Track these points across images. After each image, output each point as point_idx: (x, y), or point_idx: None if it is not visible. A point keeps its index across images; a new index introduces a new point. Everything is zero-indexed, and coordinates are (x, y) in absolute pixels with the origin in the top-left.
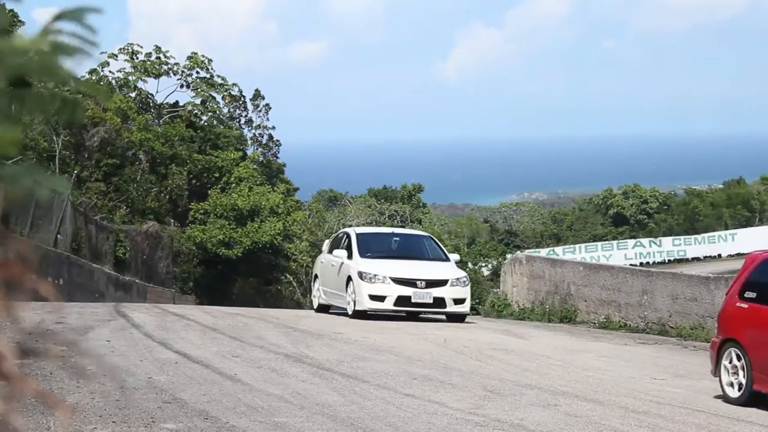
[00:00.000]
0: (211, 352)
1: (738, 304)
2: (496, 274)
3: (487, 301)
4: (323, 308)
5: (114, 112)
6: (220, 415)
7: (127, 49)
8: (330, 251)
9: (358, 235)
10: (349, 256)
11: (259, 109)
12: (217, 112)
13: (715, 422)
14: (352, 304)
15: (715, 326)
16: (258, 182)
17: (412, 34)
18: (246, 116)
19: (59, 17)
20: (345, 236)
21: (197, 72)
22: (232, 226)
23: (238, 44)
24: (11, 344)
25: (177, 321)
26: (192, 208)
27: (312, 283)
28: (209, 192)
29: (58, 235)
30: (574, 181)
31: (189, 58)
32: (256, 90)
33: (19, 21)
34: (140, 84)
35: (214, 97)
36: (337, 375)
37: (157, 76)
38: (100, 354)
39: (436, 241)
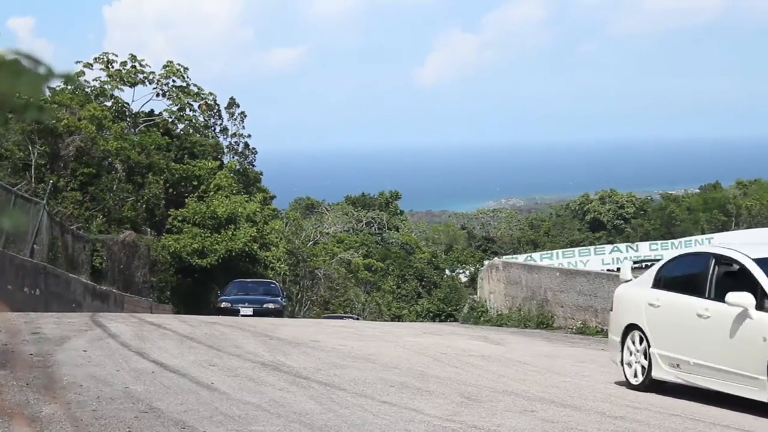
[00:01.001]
0: (188, 361)
1: None
2: (473, 280)
3: (464, 308)
4: (652, 384)
5: (89, 121)
6: (197, 424)
7: (103, 59)
8: (672, 286)
9: (760, 262)
10: (762, 305)
11: (234, 117)
12: (193, 120)
13: (691, 426)
14: None
15: None
16: (234, 191)
17: (388, 40)
18: (221, 124)
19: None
20: (715, 261)
21: (173, 81)
22: (206, 234)
23: (214, 51)
24: None
25: (154, 330)
26: (171, 215)
27: (618, 340)
28: (186, 200)
29: (35, 245)
30: (551, 187)
31: (165, 66)
32: (231, 98)
33: None
34: (116, 92)
35: (191, 105)
36: (313, 383)
37: (133, 84)
38: (76, 364)
39: None
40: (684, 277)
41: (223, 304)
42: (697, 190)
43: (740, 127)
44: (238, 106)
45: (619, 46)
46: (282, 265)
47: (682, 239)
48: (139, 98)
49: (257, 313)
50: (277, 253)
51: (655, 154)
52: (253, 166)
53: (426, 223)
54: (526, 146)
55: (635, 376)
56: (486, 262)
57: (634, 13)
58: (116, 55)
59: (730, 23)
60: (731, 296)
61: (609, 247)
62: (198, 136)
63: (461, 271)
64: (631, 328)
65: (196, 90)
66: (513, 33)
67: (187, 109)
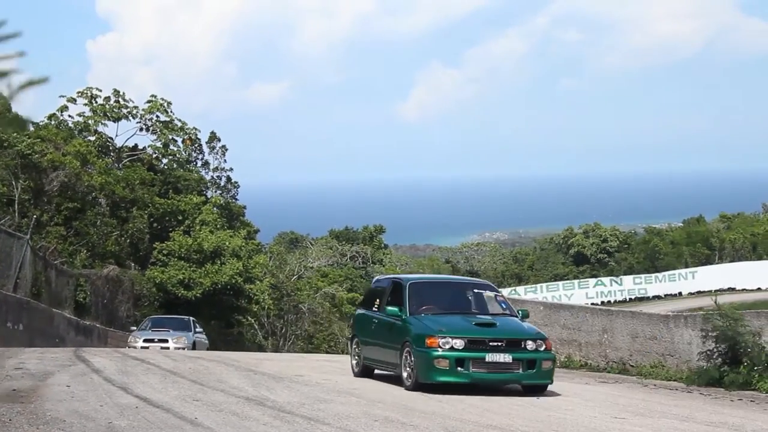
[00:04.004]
0: (171, 396)
1: None
2: None
3: None
4: None
5: (73, 156)
6: None
7: (86, 93)
8: None
9: None
10: None
11: (215, 151)
12: (177, 155)
13: None
14: None
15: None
16: (219, 225)
17: (371, 76)
18: (202, 159)
19: None
20: None
21: (157, 116)
22: (192, 268)
23: (198, 86)
24: None
25: (137, 365)
26: (156, 248)
27: None
28: (171, 234)
29: (18, 280)
30: (535, 221)
31: (148, 101)
32: (212, 132)
33: None
34: (99, 128)
35: (175, 140)
36: (298, 417)
37: (116, 119)
38: (59, 399)
39: None
40: None
41: None
42: (681, 224)
43: (722, 161)
44: (219, 140)
45: (599, 81)
46: (266, 299)
47: (666, 273)
48: (122, 133)
49: None
50: (261, 287)
51: (638, 189)
52: (236, 200)
53: (410, 257)
54: (509, 180)
55: None
56: None
57: (613, 50)
58: (100, 90)
59: (709, 60)
60: None
61: (593, 280)
62: (182, 170)
63: None
64: None
65: (179, 125)
66: (495, 68)
67: (171, 145)
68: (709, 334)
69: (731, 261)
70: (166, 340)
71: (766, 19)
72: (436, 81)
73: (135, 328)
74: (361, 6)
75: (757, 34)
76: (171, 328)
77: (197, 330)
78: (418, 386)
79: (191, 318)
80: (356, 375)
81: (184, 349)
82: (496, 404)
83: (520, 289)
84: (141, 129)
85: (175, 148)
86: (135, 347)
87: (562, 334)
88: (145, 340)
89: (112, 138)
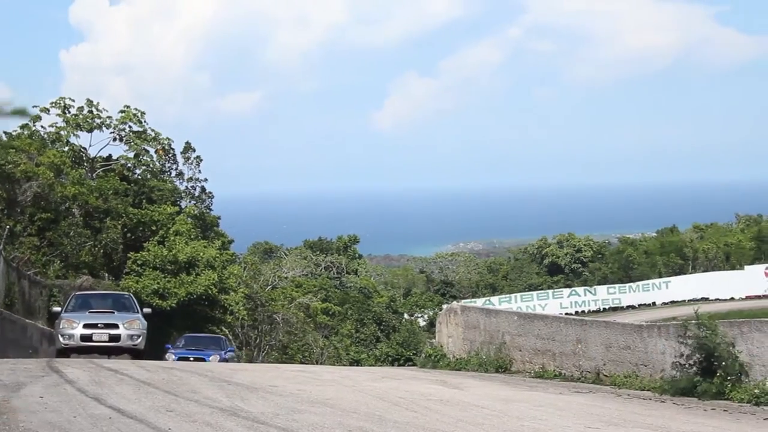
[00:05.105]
0: (145, 407)
1: None
2: (432, 324)
3: (422, 352)
4: None
5: (47, 167)
6: None
7: (59, 104)
8: None
9: None
10: None
11: (189, 161)
12: (151, 165)
13: None
14: None
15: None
16: (193, 236)
17: (345, 86)
18: (177, 169)
19: None
20: None
21: (130, 126)
22: (167, 278)
23: (172, 96)
24: None
25: (111, 376)
26: (130, 258)
27: None
28: (146, 245)
29: None
30: (509, 231)
31: (122, 111)
32: (187, 143)
33: None
34: (72, 139)
35: (147, 151)
36: (272, 428)
37: (90, 130)
38: (32, 411)
39: None
40: None
41: None
42: (655, 234)
43: (696, 172)
44: (194, 150)
45: (574, 92)
46: (241, 310)
47: (640, 282)
48: (96, 143)
49: None
50: (236, 297)
51: (612, 199)
52: (210, 210)
53: (384, 267)
54: (484, 190)
55: None
56: (444, 306)
57: (587, 61)
58: (73, 100)
59: (685, 72)
60: None
61: (567, 290)
62: (156, 180)
63: (420, 315)
64: None
65: (153, 135)
66: (470, 78)
67: (144, 155)
68: (687, 342)
69: (704, 271)
70: (115, 325)
71: (740, 29)
72: (411, 90)
73: (59, 308)
74: (335, 16)
75: (731, 45)
76: (114, 309)
77: (143, 312)
78: None
79: (130, 295)
80: None
81: (139, 338)
82: (470, 414)
83: (494, 299)
84: (114, 139)
85: (148, 158)
86: (71, 335)
87: (536, 344)
88: (86, 326)
89: (85, 148)
